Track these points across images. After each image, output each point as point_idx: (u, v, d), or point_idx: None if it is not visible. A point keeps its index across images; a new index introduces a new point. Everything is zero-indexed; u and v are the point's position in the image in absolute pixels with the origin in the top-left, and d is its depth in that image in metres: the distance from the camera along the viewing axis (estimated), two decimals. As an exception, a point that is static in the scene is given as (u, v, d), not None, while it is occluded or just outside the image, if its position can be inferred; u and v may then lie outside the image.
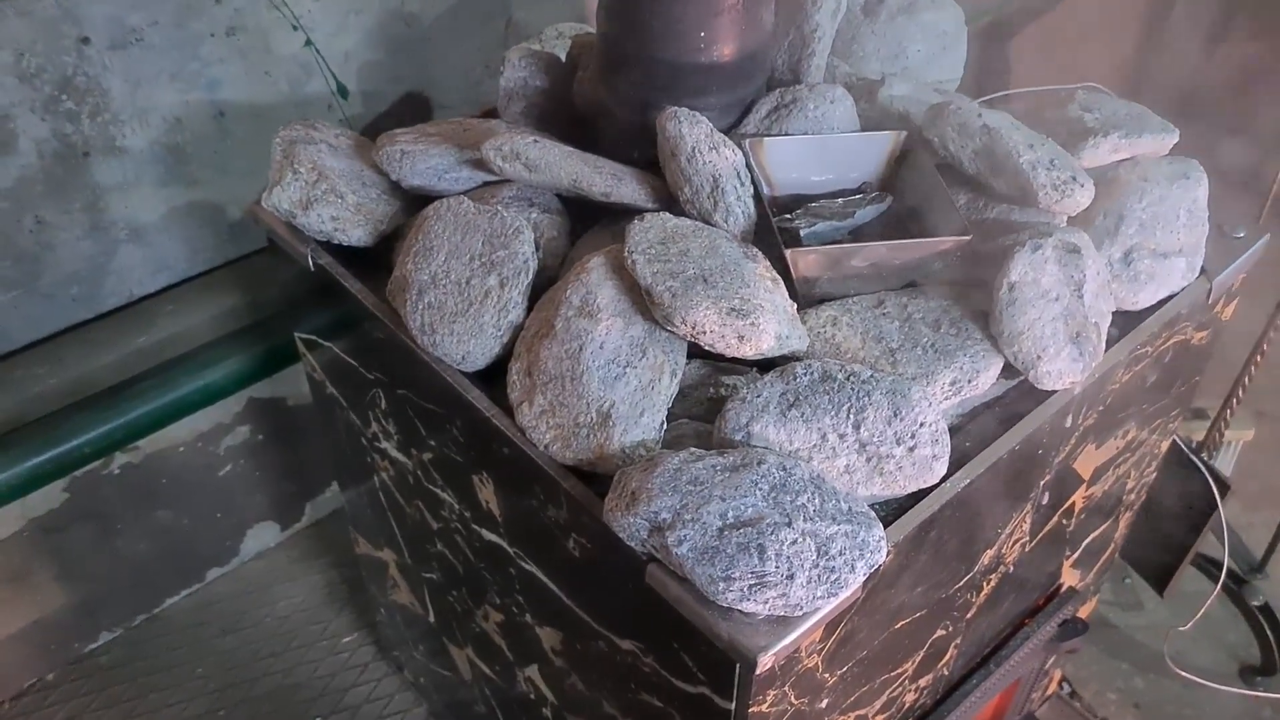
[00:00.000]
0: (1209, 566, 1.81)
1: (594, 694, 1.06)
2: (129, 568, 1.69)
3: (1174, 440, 1.34)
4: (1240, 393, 1.62)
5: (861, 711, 1.02)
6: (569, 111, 1.17)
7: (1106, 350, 0.97)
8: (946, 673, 1.16)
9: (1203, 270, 1.06)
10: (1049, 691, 1.66)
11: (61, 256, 1.39)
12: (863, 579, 0.80)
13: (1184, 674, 1.60)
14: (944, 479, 0.87)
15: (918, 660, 1.06)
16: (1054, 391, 0.95)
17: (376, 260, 1.10)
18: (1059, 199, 0.96)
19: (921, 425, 0.86)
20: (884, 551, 0.81)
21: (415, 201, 1.09)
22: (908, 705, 1.12)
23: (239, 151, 1.47)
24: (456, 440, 1.03)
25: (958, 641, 1.13)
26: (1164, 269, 1.02)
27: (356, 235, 1.08)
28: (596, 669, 1.03)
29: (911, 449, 0.86)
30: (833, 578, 0.78)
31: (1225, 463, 1.83)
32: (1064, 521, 1.17)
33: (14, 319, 1.40)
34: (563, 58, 1.19)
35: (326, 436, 1.39)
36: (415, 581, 1.37)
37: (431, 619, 1.39)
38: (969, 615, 1.10)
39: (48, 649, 1.67)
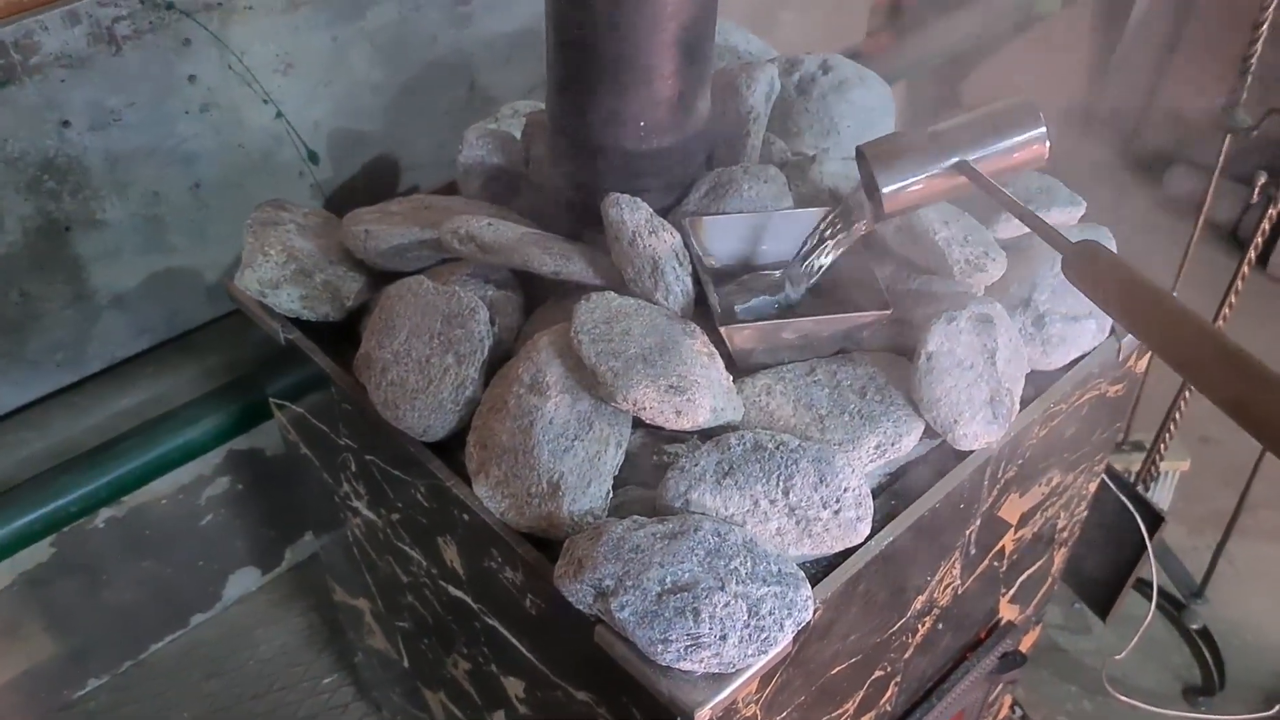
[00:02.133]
0: (1150, 592, 1.89)
1: (555, 739, 1.14)
2: (115, 616, 1.75)
3: (1103, 479, 1.42)
4: (1172, 427, 1.71)
5: (805, 750, 1.10)
6: (526, 186, 1.24)
7: (1021, 410, 1.05)
8: (889, 709, 1.24)
9: (1113, 330, 1.14)
10: (1001, 716, 1.74)
11: (46, 325, 1.45)
12: (791, 636, 0.87)
13: (1123, 698, 1.68)
14: (869, 538, 0.95)
15: (858, 700, 1.14)
16: (972, 451, 1.03)
17: (346, 331, 1.17)
18: (972, 273, 1.04)
19: (845, 490, 0.93)
20: (811, 609, 0.88)
21: (380, 277, 1.17)
22: (852, 741, 1.20)
23: (215, 219, 1.54)
24: (421, 504, 1.10)
25: (897, 680, 1.20)
26: (1075, 331, 1.10)
27: (324, 311, 1.15)
28: (557, 717, 1.10)
29: (837, 512, 0.93)
30: (763, 636, 0.86)
31: (1163, 492, 1.91)
32: (995, 564, 1.25)
33: (1, 386, 1.46)
34: (517, 135, 1.27)
35: (301, 492, 1.45)
36: (389, 629, 1.44)
37: (406, 664, 1.46)
38: (906, 655, 1.18)
39: (38, 697, 1.73)
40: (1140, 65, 2.90)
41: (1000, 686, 1.50)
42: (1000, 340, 1.02)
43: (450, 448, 1.04)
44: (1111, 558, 1.64)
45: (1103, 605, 1.72)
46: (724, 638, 0.84)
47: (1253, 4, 1.46)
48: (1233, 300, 1.60)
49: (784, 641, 0.87)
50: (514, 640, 1.09)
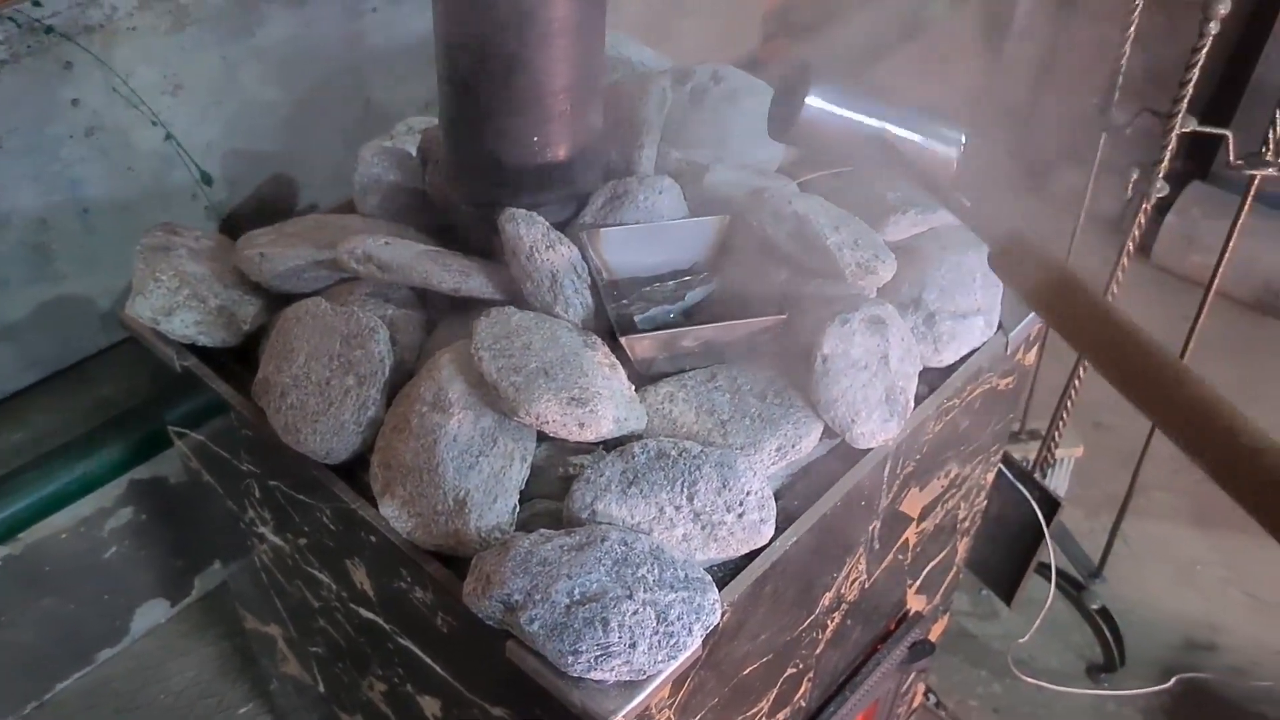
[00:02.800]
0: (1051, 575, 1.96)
1: (474, 756, 1.13)
2: (16, 656, 1.69)
3: (1000, 469, 1.47)
4: (1065, 415, 1.77)
5: (722, 751, 1.11)
6: (424, 202, 1.24)
7: (916, 407, 1.08)
8: (804, 704, 1.26)
9: (1000, 325, 1.18)
10: (915, 704, 1.78)
11: (-71, 361, 1.41)
12: (700, 639, 0.89)
13: (1029, 679, 1.73)
14: (773, 539, 0.97)
15: (772, 698, 1.16)
16: (870, 449, 1.06)
17: (244, 354, 1.15)
18: (863, 275, 1.07)
19: (748, 493, 0.95)
20: (718, 613, 0.90)
21: (278, 299, 1.15)
22: (768, 738, 1.22)
23: (106, 244, 1.50)
24: (327, 527, 1.09)
25: (810, 675, 1.22)
26: (964, 328, 1.13)
27: (220, 337, 1.13)
28: (474, 733, 1.10)
29: (740, 515, 0.95)
30: (672, 642, 0.87)
31: (1060, 478, 1.98)
32: (900, 557, 1.28)
33: (-117, 425, 1.41)
34: (413, 152, 1.26)
35: (208, 519, 1.43)
36: (303, 654, 1.42)
37: (321, 689, 1.44)
38: (818, 651, 1.20)
39: (-65, 746, 1.67)
40: (1025, 66, 3.00)
41: (912, 676, 1.54)
42: (893, 340, 1.05)
43: (355, 469, 1.03)
44: (1013, 544, 1.69)
45: (1007, 590, 1.77)
46: (634, 645, 0.85)
47: (1125, 7, 1.52)
48: (1116, 289, 1.66)
49: (693, 646, 0.88)
50: (428, 659, 1.08)
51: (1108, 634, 1.88)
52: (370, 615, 1.13)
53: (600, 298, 1.07)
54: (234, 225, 1.62)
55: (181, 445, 1.33)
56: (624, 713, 0.85)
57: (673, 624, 0.87)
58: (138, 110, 1.45)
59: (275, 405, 1.04)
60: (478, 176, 1.12)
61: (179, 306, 1.12)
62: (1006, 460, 1.57)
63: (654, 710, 0.92)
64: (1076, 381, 1.72)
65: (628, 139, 1.20)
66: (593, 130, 1.13)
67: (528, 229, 1.04)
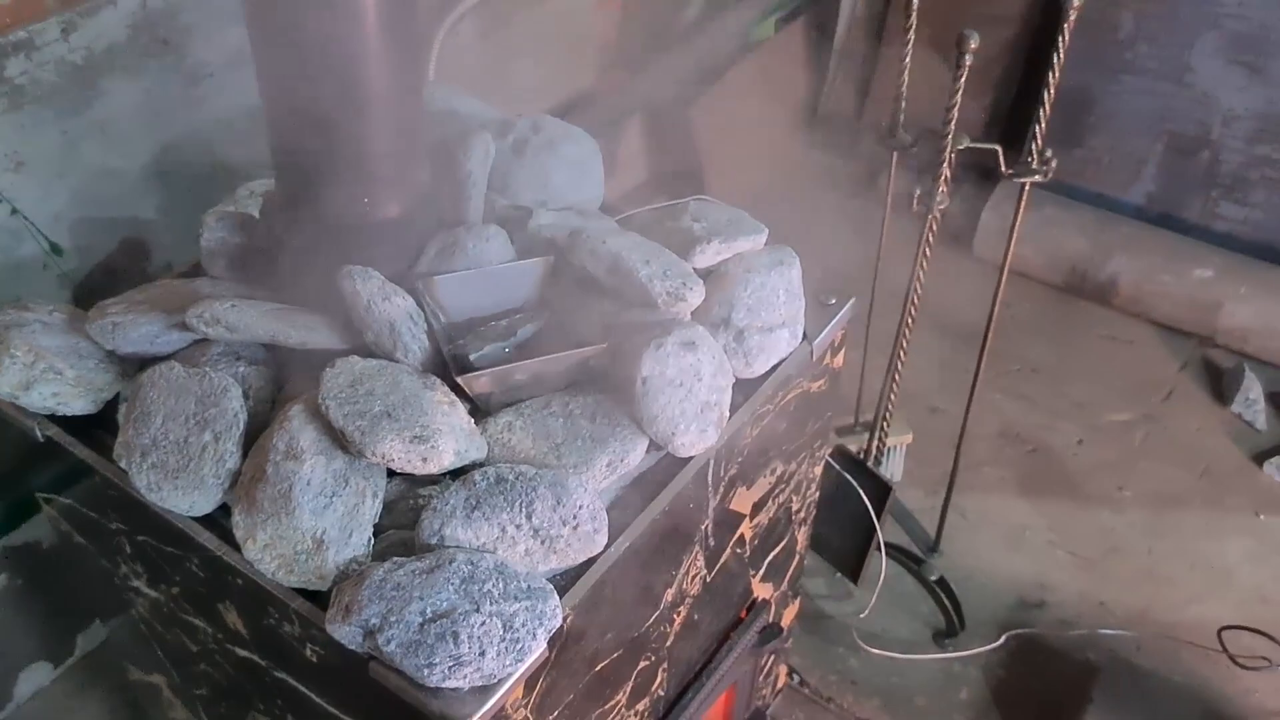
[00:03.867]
0: (895, 553, 2.13)
1: (357, 777, 1.21)
2: (-105, 735, 1.70)
3: (826, 462, 1.61)
4: (890, 408, 1.93)
5: (585, 743, 1.22)
6: (270, 261, 1.32)
7: (731, 416, 1.21)
8: (662, 693, 1.38)
9: (805, 336, 1.32)
10: (780, 684, 1.92)
11: None
12: (545, 642, 0.99)
13: (875, 650, 1.89)
14: (607, 546, 1.08)
15: (628, 690, 1.27)
16: (692, 457, 1.18)
17: (105, 420, 1.21)
18: (674, 303, 1.19)
19: (581, 508, 1.06)
20: (559, 616, 1.00)
21: (133, 364, 1.22)
22: (631, 728, 1.33)
23: (-43, 321, 1.53)
24: (197, 575, 1.16)
25: (664, 666, 1.34)
26: (771, 341, 1.26)
27: (79, 406, 1.19)
28: (353, 753, 1.18)
29: (575, 528, 1.06)
30: (518, 646, 0.97)
31: (895, 464, 2.15)
32: (738, 550, 1.41)
33: None
34: (256, 215, 1.34)
35: (82, 579, 1.47)
36: (189, 699, 1.47)
37: (209, 730, 1.50)
38: (669, 643, 1.32)
39: None
40: (849, 80, 3.19)
41: (769, 658, 1.67)
42: (705, 358, 1.18)
43: (218, 517, 1.11)
44: (853, 528, 1.84)
45: (853, 570, 1.92)
46: (483, 654, 0.95)
47: (900, 38, 1.68)
48: (919, 288, 1.82)
49: (538, 648, 0.99)
50: (304, 689, 1.16)
51: (947, 602, 2.06)
52: (246, 653, 1.21)
53: (438, 341, 1.17)
54: (87, 292, 1.66)
55: (50, 510, 1.37)
56: (479, 715, 0.95)
57: (518, 630, 0.97)
58: (-20, 189, 1.49)
59: (136, 467, 1.11)
60: (314, 235, 1.20)
61: (36, 380, 1.18)
62: (836, 453, 1.72)
63: (510, 710, 1.02)
64: (896, 377, 1.89)
65: (455, 191, 1.30)
66: (420, 187, 1.23)
67: (364, 284, 1.13)
